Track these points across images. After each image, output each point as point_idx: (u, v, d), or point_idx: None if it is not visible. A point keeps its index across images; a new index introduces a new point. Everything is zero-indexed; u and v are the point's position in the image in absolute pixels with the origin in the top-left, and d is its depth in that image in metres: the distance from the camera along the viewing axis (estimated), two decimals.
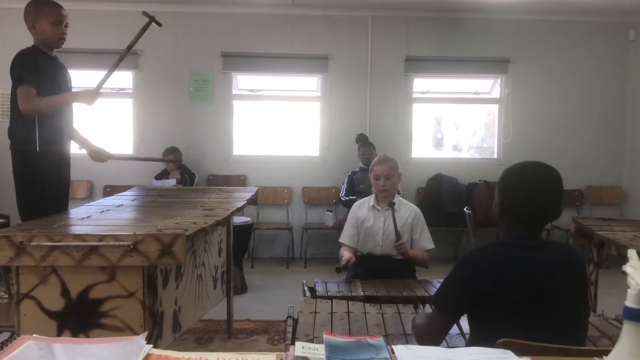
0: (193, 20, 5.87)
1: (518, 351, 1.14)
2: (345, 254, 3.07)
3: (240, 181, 5.94)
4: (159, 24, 3.25)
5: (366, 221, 3.16)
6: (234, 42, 5.89)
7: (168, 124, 5.88)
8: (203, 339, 3.52)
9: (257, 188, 3.66)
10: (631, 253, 0.88)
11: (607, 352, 0.88)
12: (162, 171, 5.52)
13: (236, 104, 6.08)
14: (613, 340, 1.99)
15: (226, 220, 2.94)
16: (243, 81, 6.11)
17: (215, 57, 5.89)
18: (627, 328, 0.82)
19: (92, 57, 5.55)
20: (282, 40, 5.90)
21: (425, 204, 5.65)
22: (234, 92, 6.04)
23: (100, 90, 3.02)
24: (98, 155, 3.22)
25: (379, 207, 3.17)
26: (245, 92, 6.13)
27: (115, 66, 3.02)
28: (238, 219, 4.52)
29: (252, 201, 3.30)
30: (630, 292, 0.82)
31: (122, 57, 3.02)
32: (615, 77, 6.09)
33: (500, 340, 1.26)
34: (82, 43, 5.17)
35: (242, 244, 4.64)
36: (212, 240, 3.06)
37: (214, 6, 5.82)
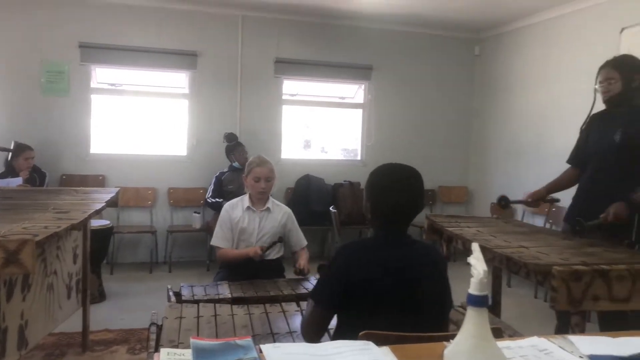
0: (48, 7, 5.36)
1: (378, 342, 1.21)
2: (243, 252, 3.04)
3: (99, 181, 5.54)
4: None
5: (241, 222, 3.13)
6: (94, 33, 5.48)
7: (16, 118, 5.30)
8: (54, 354, 3.22)
9: (118, 189, 3.44)
10: (474, 246, 0.98)
11: (454, 337, 0.97)
12: (7, 169, 4.94)
13: (95, 99, 5.67)
14: (459, 325, 2.20)
15: (82, 224, 2.72)
16: (103, 74, 5.72)
17: (73, 48, 5.43)
18: (470, 313, 0.91)
19: None
20: (147, 33, 5.63)
21: (294, 204, 5.75)
22: (92, 85, 5.62)
23: None
24: None
25: (254, 209, 3.16)
26: (105, 86, 5.74)
27: None
28: (96, 222, 4.23)
29: (112, 203, 3.09)
30: (473, 280, 0.91)
31: None
32: (463, 87, 6.74)
33: (362, 332, 1.32)
34: None
35: (100, 249, 4.34)
36: (66, 246, 2.82)
37: None
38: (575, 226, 2.71)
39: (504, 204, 3.19)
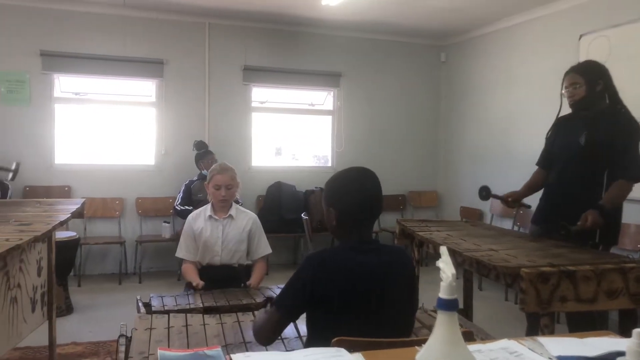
0: (7, 14, 5.22)
1: (350, 348, 1.21)
2: (193, 277, 2.96)
3: (64, 192, 5.40)
4: None
5: (204, 232, 3.07)
6: (56, 41, 5.36)
7: None
8: None
9: (84, 199, 3.36)
10: (443, 250, 0.98)
11: (425, 341, 0.97)
12: None
13: (59, 108, 5.54)
14: (431, 329, 2.22)
15: (46, 236, 2.64)
16: (67, 83, 5.59)
17: (34, 56, 5.30)
18: (441, 317, 0.91)
19: None
20: (112, 41, 5.54)
21: (265, 212, 5.73)
22: (55, 94, 5.49)
23: None
24: None
25: (216, 217, 3.11)
26: (69, 95, 5.61)
27: None
28: (61, 234, 4.12)
29: (78, 214, 3.01)
30: (442, 284, 0.91)
31: None
32: (430, 93, 6.83)
33: (335, 339, 1.32)
34: None
35: (66, 261, 4.23)
36: (29, 259, 2.73)
37: (33, 0, 5.24)
38: (560, 230, 2.67)
39: (484, 194, 3.21)
